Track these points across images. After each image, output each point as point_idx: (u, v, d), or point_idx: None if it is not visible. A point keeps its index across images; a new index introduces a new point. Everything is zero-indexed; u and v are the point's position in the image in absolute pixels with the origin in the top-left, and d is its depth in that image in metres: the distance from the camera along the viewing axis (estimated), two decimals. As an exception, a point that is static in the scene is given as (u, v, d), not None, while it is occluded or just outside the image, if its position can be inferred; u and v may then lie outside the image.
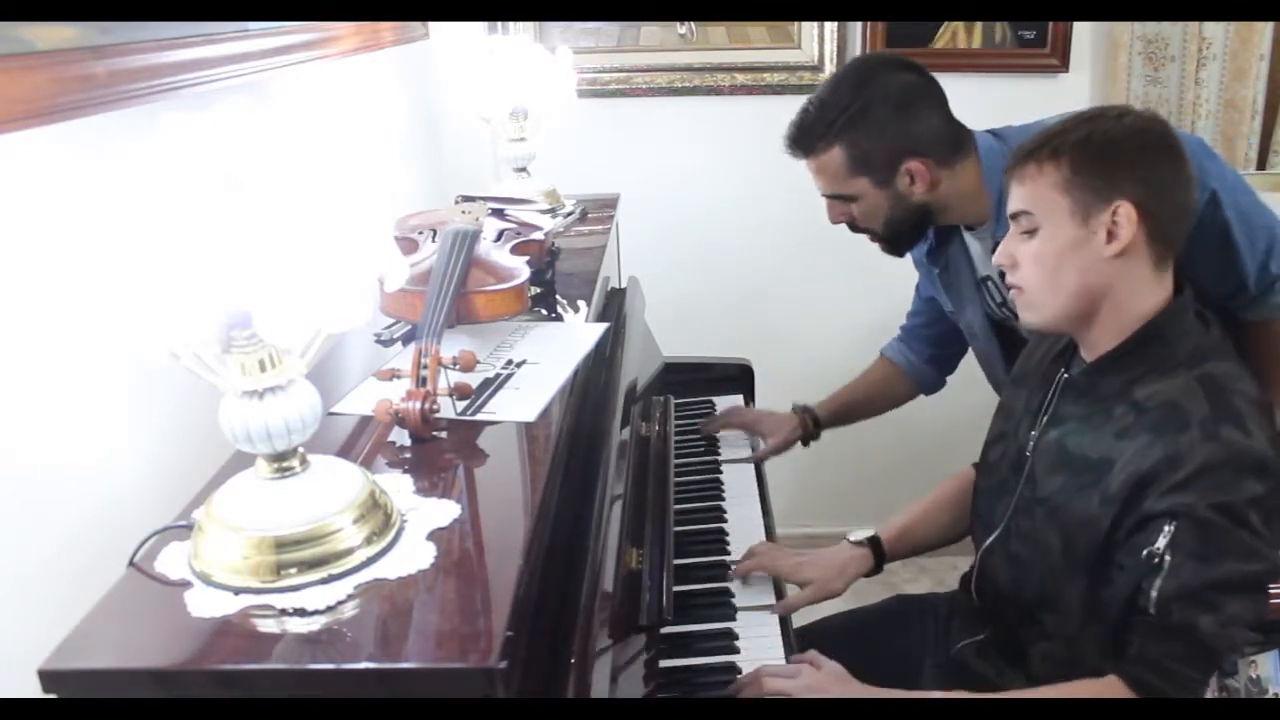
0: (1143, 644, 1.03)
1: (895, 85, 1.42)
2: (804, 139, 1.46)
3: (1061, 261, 1.10)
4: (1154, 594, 1.01)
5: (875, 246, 1.56)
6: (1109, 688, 1.05)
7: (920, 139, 1.42)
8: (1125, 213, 1.06)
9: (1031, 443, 1.22)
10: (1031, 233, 1.11)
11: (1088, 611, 1.13)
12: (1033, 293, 1.14)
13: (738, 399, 1.95)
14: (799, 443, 1.79)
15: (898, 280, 1.93)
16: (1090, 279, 1.10)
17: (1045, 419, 1.21)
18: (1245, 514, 1.00)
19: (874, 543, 1.43)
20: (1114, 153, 1.08)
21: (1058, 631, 1.17)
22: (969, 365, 1.77)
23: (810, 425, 1.78)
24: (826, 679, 1.15)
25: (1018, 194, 1.13)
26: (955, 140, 1.45)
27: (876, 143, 1.41)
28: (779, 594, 1.38)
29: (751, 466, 1.73)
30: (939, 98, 1.45)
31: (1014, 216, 1.14)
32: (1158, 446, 1.04)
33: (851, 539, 1.43)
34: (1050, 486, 1.17)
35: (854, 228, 1.53)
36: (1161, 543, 1.01)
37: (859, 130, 1.41)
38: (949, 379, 1.84)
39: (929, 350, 1.77)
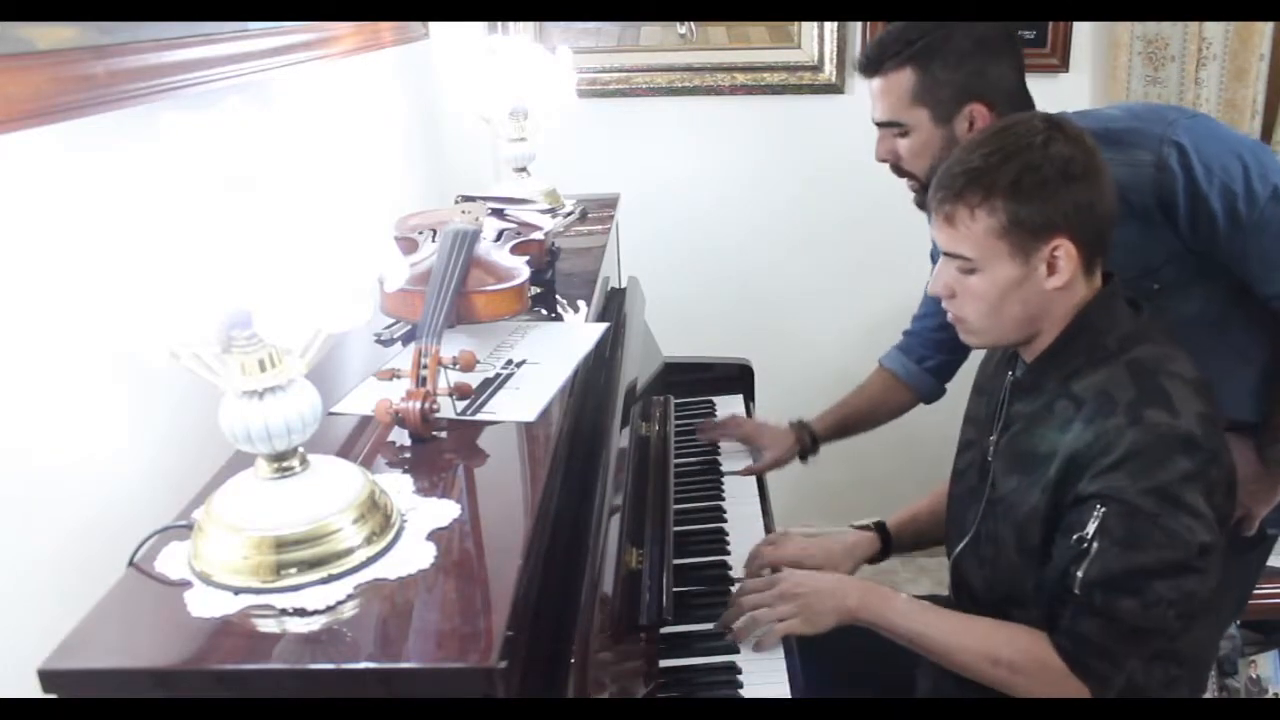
0: (1072, 619, 1.08)
1: (982, 25, 1.39)
2: (878, 56, 1.41)
3: (1003, 297, 1.11)
4: (1079, 576, 1.05)
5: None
6: (1037, 640, 1.11)
7: (992, 85, 1.37)
8: (1065, 250, 1.08)
9: (992, 447, 1.25)
10: (968, 271, 1.12)
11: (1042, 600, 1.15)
12: (974, 323, 1.16)
13: (738, 399, 1.95)
14: (797, 459, 1.77)
15: (898, 280, 1.93)
16: (1033, 308, 1.13)
17: (1000, 423, 1.24)
18: (1178, 493, 1.03)
19: (880, 528, 1.47)
20: (1047, 193, 1.07)
21: (1028, 625, 1.18)
22: (969, 367, 1.76)
23: (808, 441, 1.76)
24: (799, 583, 1.22)
25: (950, 235, 1.12)
26: (1021, 104, 1.40)
27: (949, 74, 1.37)
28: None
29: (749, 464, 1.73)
30: (1019, 57, 1.41)
31: (947, 254, 1.13)
32: (1088, 431, 1.08)
33: (856, 524, 1.48)
34: (1007, 487, 1.20)
35: (897, 170, 1.48)
36: (1091, 528, 1.05)
37: (935, 57, 1.37)
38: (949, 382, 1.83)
39: (934, 357, 1.75)
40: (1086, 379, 1.12)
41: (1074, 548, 1.06)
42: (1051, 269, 1.09)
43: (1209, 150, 1.26)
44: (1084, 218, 1.08)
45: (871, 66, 1.43)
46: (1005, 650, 1.12)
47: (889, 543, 1.47)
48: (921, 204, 1.50)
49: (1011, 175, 1.07)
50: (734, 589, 1.31)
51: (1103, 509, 1.04)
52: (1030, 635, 1.12)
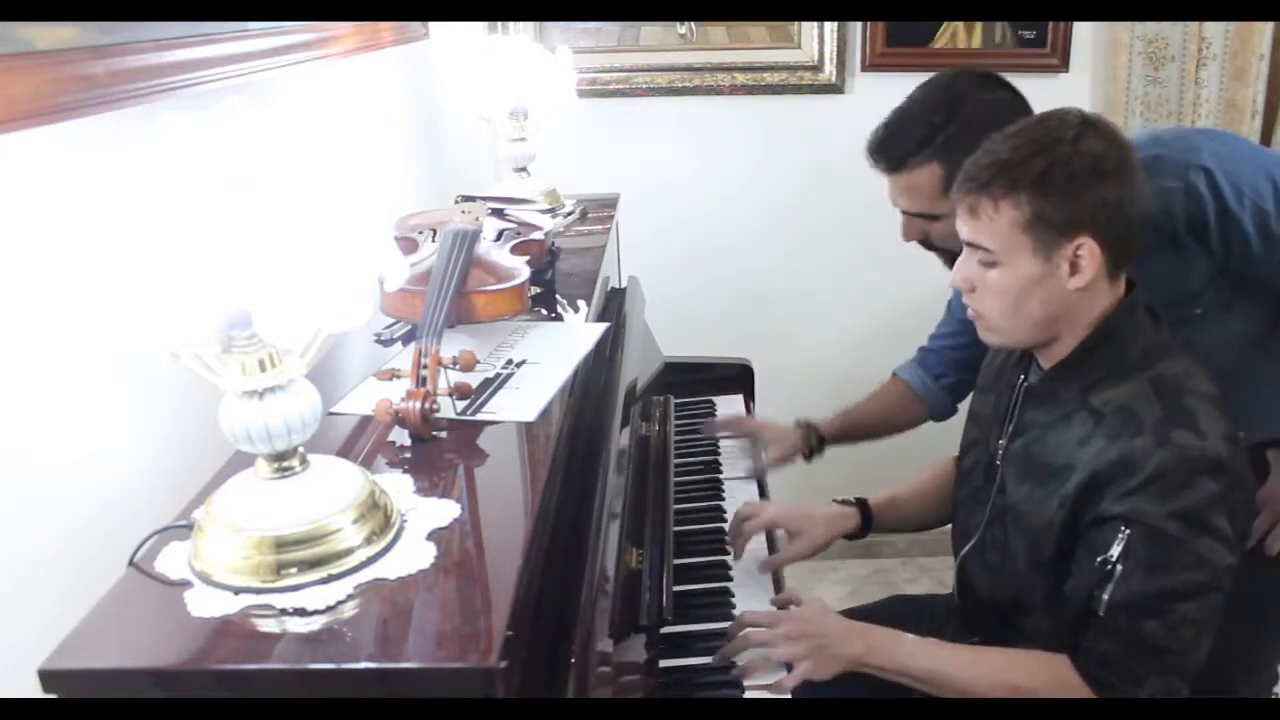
0: (1093, 639, 1.06)
1: (993, 101, 1.38)
2: (896, 153, 1.40)
3: (1023, 295, 1.09)
4: (1105, 598, 1.04)
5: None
6: (1056, 664, 1.09)
7: None
8: (1088, 249, 1.06)
9: (1001, 451, 1.23)
10: (989, 264, 1.10)
11: (1053, 612, 1.14)
12: (993, 320, 1.14)
13: (738, 399, 1.94)
14: (800, 457, 1.75)
15: (898, 280, 1.93)
16: (1053, 308, 1.10)
17: (1011, 427, 1.22)
18: (1204, 516, 1.01)
19: (861, 504, 1.47)
20: (1074, 188, 1.05)
21: (1034, 635, 1.18)
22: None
23: (814, 441, 1.74)
24: (807, 623, 1.19)
25: (973, 227, 1.10)
26: None
27: None
28: (778, 590, 1.38)
29: (751, 467, 1.73)
30: (1030, 113, 1.39)
31: (970, 245, 1.12)
32: (1113, 450, 1.05)
33: (838, 499, 1.48)
34: (1018, 495, 1.18)
35: (927, 245, 1.49)
36: (1115, 550, 1.03)
37: (958, 150, 1.33)
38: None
39: (951, 375, 1.73)
40: (1107, 392, 1.10)
41: (1098, 570, 1.04)
42: (1074, 269, 1.07)
43: (1237, 172, 1.26)
44: (1111, 217, 1.06)
45: (892, 165, 1.42)
46: (1025, 678, 1.10)
47: (869, 521, 1.47)
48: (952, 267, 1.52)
49: (1039, 169, 1.05)
50: (737, 615, 1.27)
51: (1127, 531, 1.02)
52: (1048, 660, 1.10)
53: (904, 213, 1.46)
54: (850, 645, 1.16)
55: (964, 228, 1.12)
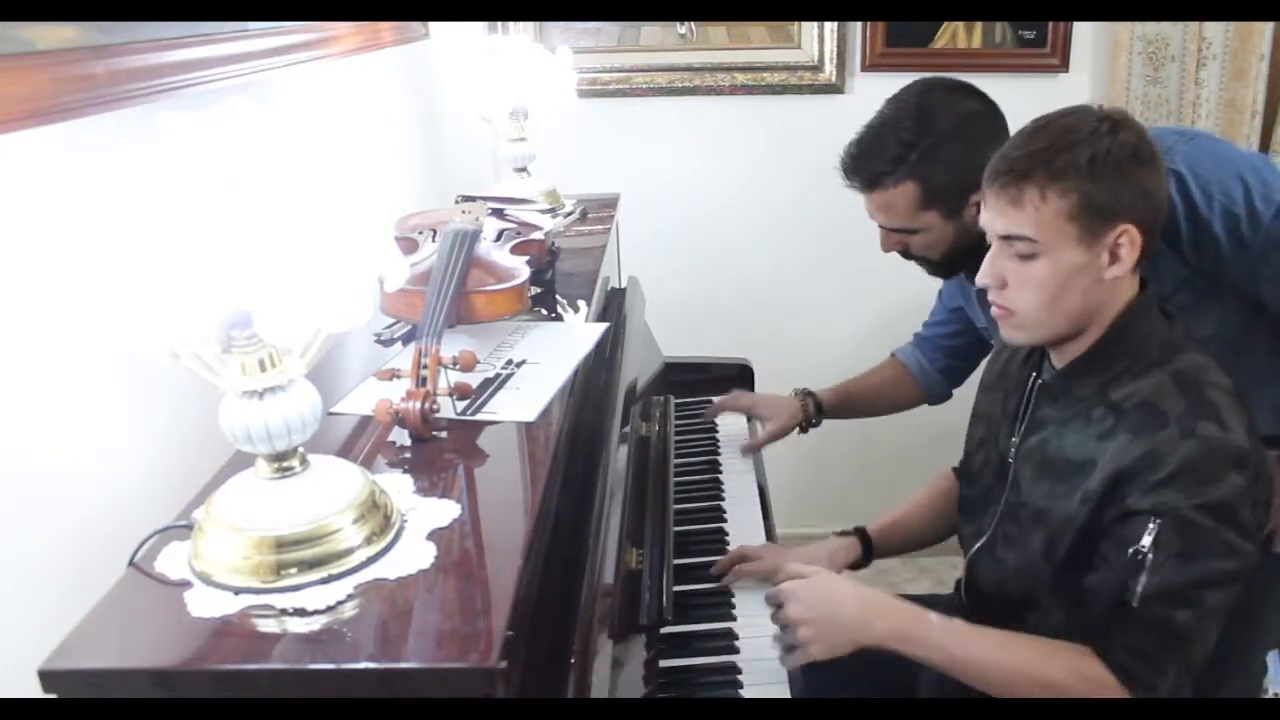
0: (1123, 631, 1.06)
1: (965, 114, 1.38)
2: (869, 173, 1.40)
3: (1065, 286, 1.09)
4: (1138, 589, 1.03)
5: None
6: (1079, 655, 1.07)
7: None
8: (1130, 236, 1.06)
9: (1013, 449, 1.23)
10: (1029, 256, 1.09)
11: (1063, 605, 1.14)
12: (1026, 314, 1.12)
13: (738, 398, 1.95)
14: (797, 429, 1.77)
15: (898, 280, 1.92)
16: (1090, 299, 1.10)
17: (1024, 425, 1.22)
18: (1230, 509, 1.02)
19: (860, 534, 1.46)
20: (1119, 175, 1.05)
21: (1042, 630, 1.17)
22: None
23: (811, 410, 1.76)
24: (813, 606, 1.13)
25: (1014, 218, 1.09)
26: None
27: (949, 177, 1.36)
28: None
29: (752, 467, 1.73)
30: (1001, 121, 1.41)
31: (1006, 238, 1.10)
32: (1137, 445, 1.05)
33: (837, 531, 1.47)
34: (1035, 492, 1.18)
35: (907, 255, 1.49)
36: (1146, 540, 1.03)
37: (932, 166, 1.36)
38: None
39: (944, 361, 1.75)
40: (1128, 387, 1.10)
41: (1130, 561, 1.03)
42: (1114, 257, 1.07)
43: (1207, 175, 1.25)
44: (1149, 205, 1.07)
45: (866, 185, 1.42)
46: (1056, 673, 1.07)
47: (870, 548, 1.46)
48: (937, 275, 1.54)
49: (1086, 156, 1.05)
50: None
51: (1158, 522, 1.02)
52: (1074, 652, 1.08)
53: (882, 227, 1.47)
54: (868, 629, 1.11)
55: (999, 221, 1.10)
